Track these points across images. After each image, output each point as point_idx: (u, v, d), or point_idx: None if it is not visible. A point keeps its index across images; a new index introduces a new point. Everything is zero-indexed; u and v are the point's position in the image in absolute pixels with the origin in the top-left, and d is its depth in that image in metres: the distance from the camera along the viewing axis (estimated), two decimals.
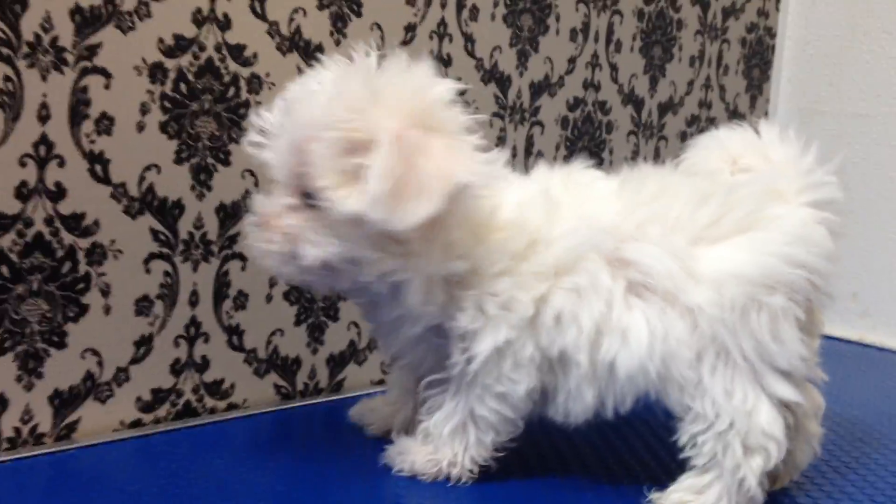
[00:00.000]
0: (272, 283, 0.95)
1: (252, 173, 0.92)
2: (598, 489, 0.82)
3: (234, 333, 0.93)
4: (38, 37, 0.76)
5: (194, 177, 0.88)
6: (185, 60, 0.86)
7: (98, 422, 0.84)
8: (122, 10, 0.81)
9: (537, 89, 1.20)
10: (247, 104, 0.91)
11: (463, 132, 0.72)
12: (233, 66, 0.89)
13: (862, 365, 1.39)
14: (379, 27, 1.01)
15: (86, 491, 0.75)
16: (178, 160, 0.87)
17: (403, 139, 0.67)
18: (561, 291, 0.74)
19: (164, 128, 0.85)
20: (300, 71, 0.94)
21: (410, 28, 1.04)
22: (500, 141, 1.16)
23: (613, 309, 0.73)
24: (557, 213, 0.75)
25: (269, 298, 0.95)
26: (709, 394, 0.73)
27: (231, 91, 0.89)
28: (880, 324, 1.54)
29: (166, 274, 0.87)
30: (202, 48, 0.87)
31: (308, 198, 0.69)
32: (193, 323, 0.90)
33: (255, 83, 0.91)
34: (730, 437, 0.73)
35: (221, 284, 0.91)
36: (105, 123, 0.81)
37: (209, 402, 0.92)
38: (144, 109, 0.83)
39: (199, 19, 0.86)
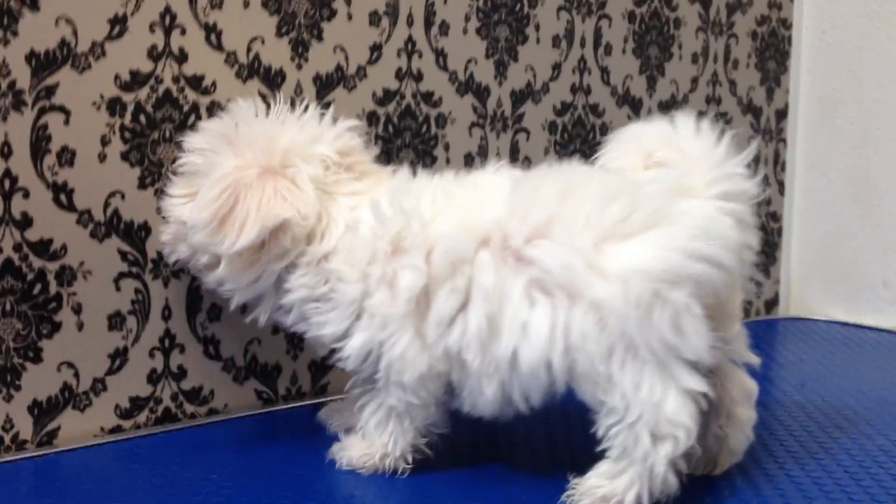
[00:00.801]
0: None
1: None
2: (526, 477, 0.85)
3: (209, 343, 0.99)
4: None
5: (159, 200, 0.94)
6: (142, 94, 0.92)
7: (78, 429, 0.91)
8: (77, 52, 0.88)
9: (519, 97, 1.22)
10: None
11: (310, 172, 0.82)
12: (192, 95, 0.95)
13: None
14: (342, 49, 1.05)
15: (70, 492, 0.81)
16: (142, 185, 0.93)
17: (235, 177, 0.79)
18: (442, 293, 0.76)
19: (125, 157, 0.91)
20: (261, 96, 1.00)
21: (376, 48, 1.08)
22: (481, 150, 1.19)
23: (508, 306, 0.75)
24: (409, 218, 0.78)
25: (243, 309, 1.01)
26: (619, 388, 0.74)
27: (192, 119, 0.95)
28: None
29: (137, 291, 0.93)
30: (160, 81, 0.93)
31: None
32: (168, 335, 0.96)
33: (217, 110, 0.97)
34: (639, 427, 0.74)
35: (193, 299, 0.97)
36: (67, 156, 0.88)
37: (189, 408, 0.98)
38: (105, 141, 0.90)
39: (154, 55, 0.92)
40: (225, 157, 0.81)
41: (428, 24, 1.12)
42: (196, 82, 0.95)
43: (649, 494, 0.76)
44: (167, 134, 0.94)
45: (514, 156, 1.22)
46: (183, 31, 0.94)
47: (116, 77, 0.90)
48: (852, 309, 1.55)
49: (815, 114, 1.58)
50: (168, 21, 0.93)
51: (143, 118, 0.92)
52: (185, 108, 0.95)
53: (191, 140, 0.86)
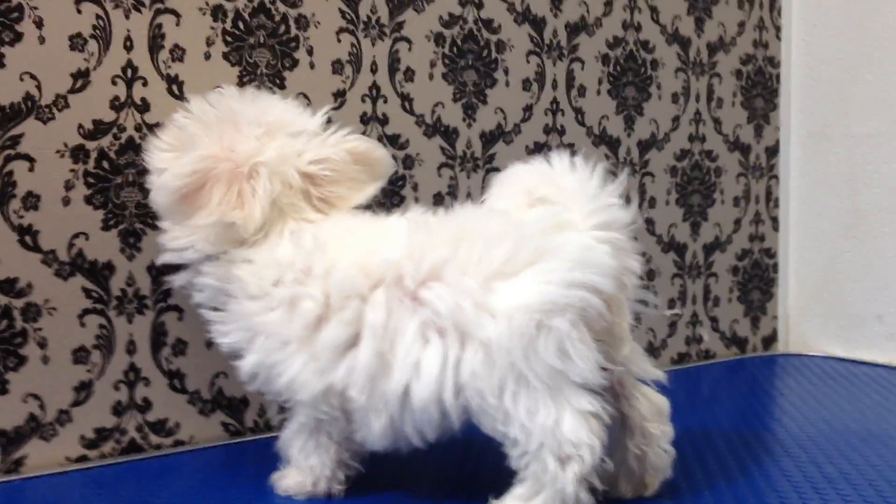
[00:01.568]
0: None
1: None
2: (454, 498, 0.86)
3: (174, 377, 1.03)
4: None
5: (123, 240, 0.99)
6: (105, 141, 0.97)
7: (44, 457, 0.95)
8: (41, 104, 0.94)
9: (489, 139, 1.25)
10: None
11: (271, 189, 0.85)
12: None
13: (893, 389, 1.33)
14: (305, 96, 1.10)
15: None
16: (106, 227, 0.98)
17: (209, 165, 0.83)
18: (332, 322, 0.79)
19: (89, 200, 0.97)
20: None
21: (340, 94, 1.13)
22: (451, 189, 1.22)
23: (401, 344, 0.78)
24: (320, 251, 0.81)
25: (209, 344, 1.04)
26: (515, 419, 0.76)
27: None
28: None
29: (101, 326, 0.98)
30: (122, 129, 0.98)
31: None
32: (132, 369, 1.00)
33: None
34: (543, 453, 0.76)
35: (158, 334, 1.01)
36: (32, 200, 0.94)
37: (154, 439, 1.02)
38: (69, 186, 0.96)
39: (116, 105, 0.98)
40: (211, 139, 0.86)
41: (392, 70, 1.16)
42: (158, 129, 1.00)
43: None
44: (130, 178, 0.99)
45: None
46: (145, 83, 0.99)
47: (80, 126, 0.96)
48: (849, 344, 1.53)
49: (805, 150, 1.58)
50: (130, 73, 0.98)
51: (106, 164, 0.97)
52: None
53: (198, 104, 0.90)
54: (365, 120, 1.14)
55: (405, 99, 1.18)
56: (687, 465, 0.96)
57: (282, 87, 1.08)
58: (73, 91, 0.95)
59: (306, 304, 0.80)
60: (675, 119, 1.45)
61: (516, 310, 0.75)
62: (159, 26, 1.00)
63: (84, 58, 0.96)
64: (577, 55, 1.33)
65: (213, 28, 1.03)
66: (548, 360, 0.75)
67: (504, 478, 0.80)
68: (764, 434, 1.08)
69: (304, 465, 0.85)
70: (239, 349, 0.84)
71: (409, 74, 1.18)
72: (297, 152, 0.88)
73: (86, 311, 0.97)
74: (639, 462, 0.83)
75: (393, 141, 1.17)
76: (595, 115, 1.36)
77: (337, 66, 1.12)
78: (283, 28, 1.08)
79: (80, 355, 0.97)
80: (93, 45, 0.96)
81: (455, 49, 1.21)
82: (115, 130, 0.98)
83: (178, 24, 1.01)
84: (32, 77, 0.93)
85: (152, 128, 1.00)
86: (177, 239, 0.86)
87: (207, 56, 1.03)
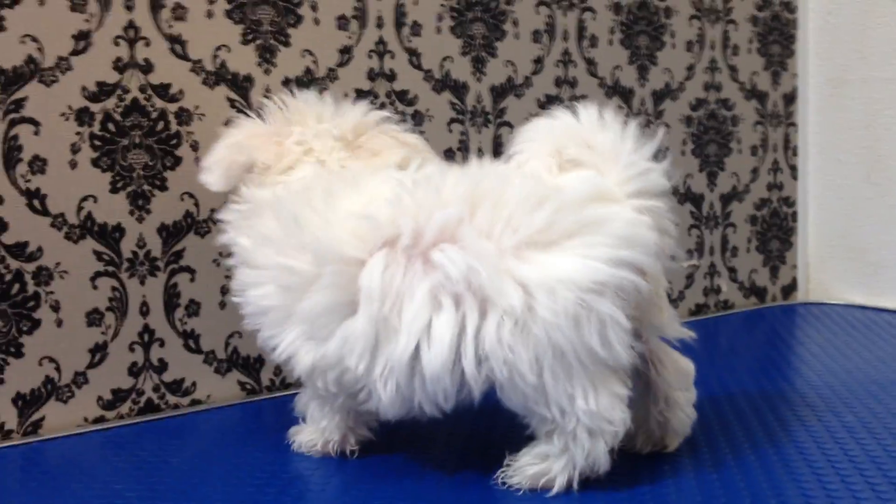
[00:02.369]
0: (224, 291, 1.03)
1: (191, 195, 1.00)
2: (470, 460, 0.84)
3: (189, 338, 1.01)
4: None
5: (132, 202, 0.97)
6: (110, 103, 0.95)
7: (62, 419, 0.94)
8: (44, 67, 0.92)
9: (500, 92, 1.22)
10: (178, 135, 0.99)
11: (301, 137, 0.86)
12: (159, 103, 0.98)
13: None
14: (311, 53, 1.07)
15: (55, 477, 0.84)
16: (114, 189, 0.96)
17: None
18: (315, 293, 0.75)
19: (95, 163, 0.95)
20: (230, 101, 1.02)
21: (346, 50, 1.10)
22: (461, 144, 1.19)
23: (408, 308, 0.72)
24: (325, 208, 0.77)
25: (222, 305, 1.03)
26: (552, 399, 0.72)
27: (160, 125, 0.98)
28: None
29: (114, 289, 0.97)
30: (126, 91, 0.96)
31: None
32: (147, 330, 0.99)
33: (185, 116, 0.99)
34: (577, 431, 0.73)
35: (171, 295, 1.00)
36: (38, 164, 0.92)
37: (172, 398, 1.01)
38: (75, 149, 0.94)
39: (119, 66, 0.96)
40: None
41: (399, 24, 1.13)
42: (163, 90, 0.98)
43: (580, 475, 0.74)
44: (137, 140, 0.97)
45: (498, 150, 1.22)
46: (147, 43, 0.97)
47: (83, 88, 0.94)
48: (869, 291, 1.50)
49: (823, 96, 1.53)
50: (132, 34, 0.96)
51: (111, 126, 0.96)
52: (154, 115, 0.98)
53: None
54: (372, 76, 1.12)
55: (412, 54, 1.15)
56: (704, 418, 0.94)
57: (286, 44, 1.05)
58: (75, 53, 0.93)
59: (291, 271, 0.77)
60: (690, 68, 1.41)
61: (559, 283, 0.70)
62: None
63: (85, 19, 0.94)
64: (587, 4, 1.29)
65: None
66: (590, 344, 0.70)
67: (519, 433, 0.78)
68: (782, 384, 1.05)
69: (319, 426, 0.84)
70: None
71: (416, 29, 1.14)
72: (339, 111, 0.89)
73: (97, 274, 0.96)
74: (660, 426, 0.81)
75: (401, 97, 1.14)
76: (608, 66, 1.32)
77: (342, 22, 1.09)
78: None
79: (93, 318, 0.96)
80: (93, 6, 0.94)
81: (462, 1, 1.17)
82: (119, 92, 0.96)
83: None
84: (34, 39, 0.91)
85: (156, 88, 0.98)
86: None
87: (210, 14, 1.00)
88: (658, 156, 0.78)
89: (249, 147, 0.86)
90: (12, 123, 0.90)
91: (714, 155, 1.45)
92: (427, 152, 0.91)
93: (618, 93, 1.33)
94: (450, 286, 0.72)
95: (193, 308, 1.01)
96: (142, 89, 0.97)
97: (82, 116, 0.94)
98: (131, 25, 0.96)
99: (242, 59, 1.03)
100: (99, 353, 0.96)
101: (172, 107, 0.99)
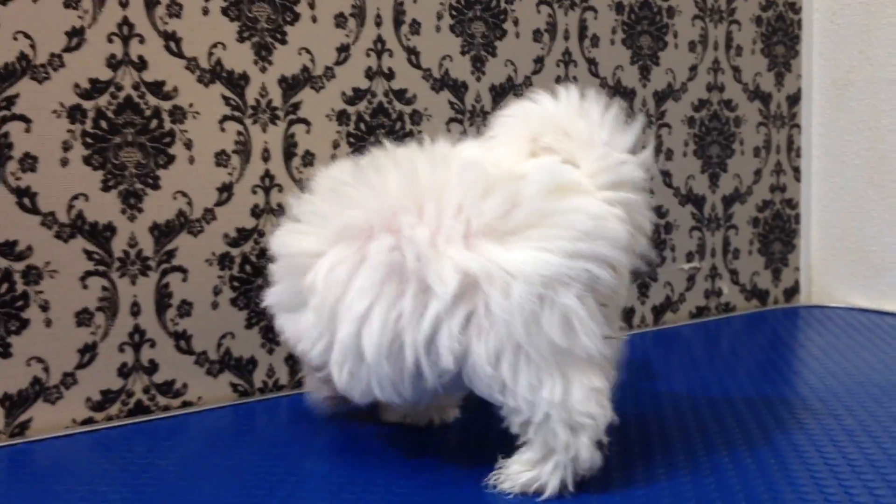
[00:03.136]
0: (217, 292, 1.02)
1: (184, 194, 0.99)
2: (464, 460, 0.83)
3: (181, 338, 1.00)
4: None
5: (124, 201, 0.96)
6: (103, 101, 0.94)
7: (50, 420, 0.93)
8: (36, 64, 0.91)
9: (499, 92, 1.21)
10: (171, 133, 0.98)
11: None
12: (153, 100, 0.97)
13: None
14: (308, 51, 1.06)
15: (42, 478, 0.82)
16: (106, 188, 0.95)
17: None
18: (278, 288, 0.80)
19: (87, 161, 0.94)
20: (225, 100, 1.01)
21: (343, 48, 1.09)
22: None
23: (348, 295, 0.72)
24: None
25: (215, 305, 1.02)
26: (516, 391, 0.71)
27: (154, 123, 0.97)
28: None
29: (104, 289, 0.95)
30: (119, 88, 0.95)
31: None
32: (137, 331, 0.98)
33: (179, 114, 0.98)
34: (551, 423, 0.71)
35: (163, 295, 0.99)
36: (29, 162, 0.91)
37: (162, 400, 1.00)
38: (66, 147, 0.93)
39: (113, 63, 0.95)
40: None
41: (398, 22, 1.12)
42: (156, 88, 0.97)
43: (573, 476, 0.73)
44: (129, 138, 0.96)
45: None
46: (142, 40, 0.96)
47: (76, 85, 0.93)
48: (872, 294, 1.48)
49: (827, 97, 1.51)
50: (126, 31, 0.95)
51: (104, 124, 0.94)
52: (147, 113, 0.97)
53: None
54: (370, 75, 1.10)
55: (411, 52, 1.13)
56: (702, 420, 0.92)
57: (283, 42, 1.04)
58: (68, 50, 0.92)
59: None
60: (693, 68, 1.39)
61: (510, 275, 0.69)
62: None
63: (79, 15, 0.92)
64: (589, 3, 1.27)
65: None
66: (551, 336, 0.69)
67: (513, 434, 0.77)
68: (783, 387, 1.04)
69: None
70: None
71: (416, 27, 1.13)
72: None
73: (88, 274, 0.94)
74: None
75: (399, 96, 1.13)
76: (609, 66, 1.30)
77: (340, 20, 1.08)
78: None
79: (83, 318, 0.94)
80: (87, 2, 0.93)
81: (462, 0, 1.16)
82: (112, 89, 0.95)
83: None
84: (26, 36, 0.90)
85: (150, 86, 0.97)
86: None
87: (205, 11, 0.99)
88: (637, 147, 0.76)
89: None
90: (3, 120, 0.89)
91: (716, 156, 1.43)
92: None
93: (619, 93, 1.32)
94: (385, 274, 0.71)
95: (185, 308, 1.00)
96: (135, 87, 0.96)
97: (74, 114, 0.93)
98: (125, 22, 0.95)
99: (238, 57, 1.02)
100: (88, 353, 0.95)
101: (166, 104, 0.98)
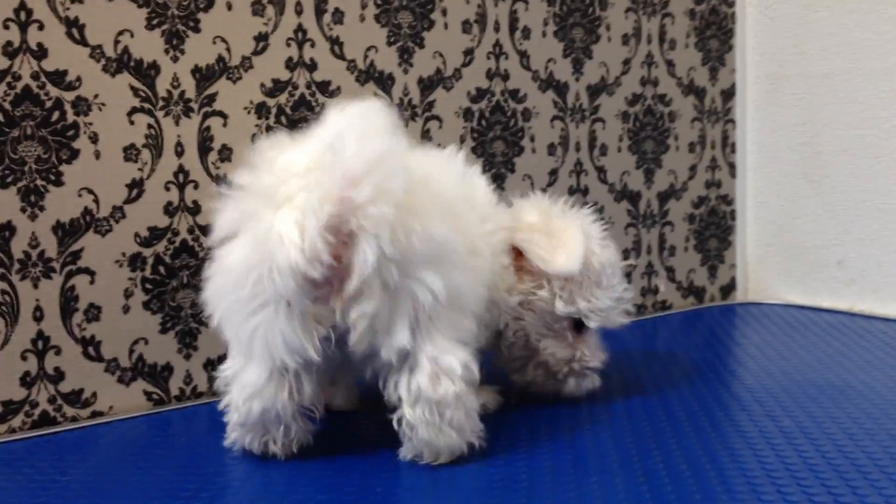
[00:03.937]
0: (128, 295, 0.96)
1: (90, 191, 0.93)
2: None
3: (89, 345, 0.94)
4: None
5: (23, 198, 0.90)
6: None
7: None
8: None
9: (428, 85, 1.17)
10: (75, 126, 0.92)
11: None
12: (54, 91, 0.91)
13: (853, 336, 1.26)
14: (223, 39, 1.01)
15: None
16: (3, 184, 0.89)
17: None
18: None
19: None
20: (133, 90, 0.95)
21: (262, 37, 1.03)
22: None
23: None
24: None
25: (126, 309, 0.96)
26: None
27: (55, 115, 0.91)
28: (867, 290, 1.41)
29: (3, 293, 0.89)
30: (17, 78, 0.89)
31: None
32: (41, 337, 0.91)
33: (83, 106, 0.92)
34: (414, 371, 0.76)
35: (68, 299, 0.92)
36: None
37: (70, 411, 0.93)
38: None
39: (10, 52, 0.88)
40: None
41: (319, 11, 1.07)
42: (58, 78, 0.91)
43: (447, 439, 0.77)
44: (28, 131, 0.89)
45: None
46: (41, 27, 0.90)
47: None
48: (809, 291, 1.47)
49: (762, 92, 1.50)
50: (24, 17, 0.89)
51: (0, 116, 0.88)
52: (48, 105, 0.90)
53: None
54: (291, 66, 1.05)
55: (334, 43, 1.08)
56: (636, 423, 0.89)
57: (196, 30, 0.99)
58: None
59: None
60: (626, 62, 1.36)
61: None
62: None
63: None
64: None
65: None
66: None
67: None
68: (718, 388, 1.01)
69: None
70: None
71: (338, 16, 1.08)
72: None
73: None
74: None
75: (322, 88, 1.08)
76: (541, 59, 1.27)
77: (257, 7, 1.02)
78: None
79: None
80: None
81: None
82: (9, 79, 0.88)
83: None
84: None
85: (51, 76, 0.90)
86: None
87: None
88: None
89: None
90: None
91: (651, 151, 1.40)
92: None
93: (552, 86, 1.28)
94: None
95: (93, 313, 0.94)
96: (34, 76, 0.89)
97: None
98: (23, 7, 0.88)
99: (147, 46, 0.96)
100: None
101: (69, 95, 0.91)
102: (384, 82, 1.13)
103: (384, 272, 0.72)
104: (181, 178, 0.99)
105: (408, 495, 0.73)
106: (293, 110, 1.05)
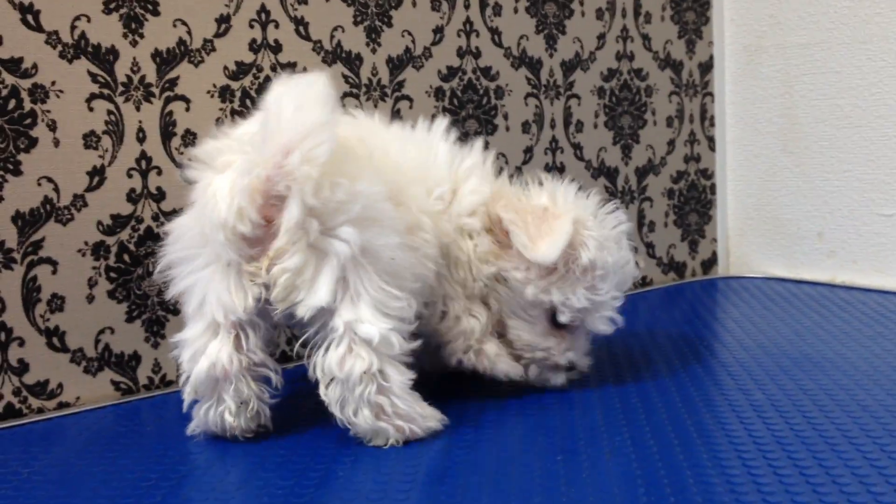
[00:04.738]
0: (92, 284, 0.95)
1: (50, 180, 0.92)
2: None
3: (53, 335, 0.93)
4: None
5: None
6: None
7: None
8: None
9: (397, 64, 1.15)
10: (33, 114, 0.90)
11: None
12: (10, 79, 0.89)
13: (833, 308, 1.25)
14: (183, 22, 0.99)
15: None
16: None
17: None
18: None
19: None
20: (91, 76, 0.94)
21: (224, 19, 1.02)
22: None
23: None
24: None
25: (90, 299, 0.95)
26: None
27: (12, 103, 0.89)
28: (847, 261, 1.40)
29: None
30: None
31: None
32: (3, 329, 0.90)
33: (40, 93, 0.90)
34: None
35: (30, 290, 0.91)
36: None
37: (35, 402, 0.92)
38: None
39: None
40: None
41: None
42: (13, 65, 0.89)
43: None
44: None
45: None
46: None
47: None
48: (789, 263, 1.46)
49: (739, 64, 1.48)
50: None
51: None
52: (4, 93, 0.89)
53: None
54: (255, 48, 1.04)
55: (299, 23, 1.07)
56: (608, 401, 0.88)
57: (155, 13, 0.97)
58: None
59: None
60: (601, 37, 1.35)
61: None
62: None
63: None
64: None
65: None
66: None
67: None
68: (692, 363, 1.00)
69: None
70: None
71: None
72: None
73: None
74: None
75: (289, 70, 1.06)
76: (513, 35, 1.25)
77: None
78: None
79: None
80: None
81: None
82: None
83: None
84: None
85: (6, 63, 0.89)
86: None
87: None
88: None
89: None
90: None
91: (628, 127, 1.39)
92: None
93: (525, 63, 1.27)
94: None
95: (57, 303, 0.93)
96: None
97: None
98: None
99: (105, 30, 0.94)
100: None
101: (25, 83, 0.90)
102: (352, 63, 1.11)
103: (307, 225, 0.74)
104: (144, 164, 0.97)
105: (371, 478, 0.72)
106: (258, 93, 1.04)
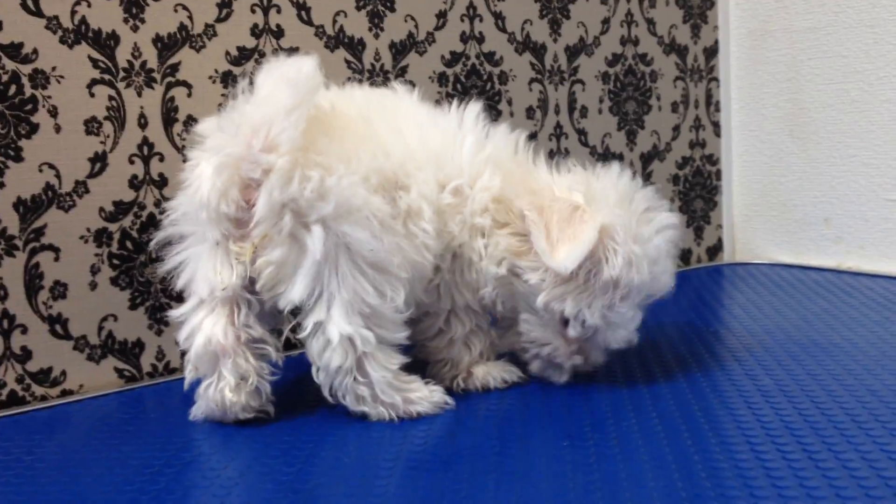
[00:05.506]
0: (94, 271, 0.94)
1: (51, 166, 0.91)
2: None
3: (56, 323, 0.92)
4: None
5: None
6: None
7: None
8: None
9: (400, 49, 1.14)
10: (34, 100, 0.90)
11: None
12: (10, 64, 0.88)
13: (839, 294, 1.24)
14: (185, 7, 0.98)
15: None
16: None
17: None
18: None
19: None
20: (92, 62, 0.93)
21: (225, 4, 1.01)
22: None
23: None
24: None
25: (93, 286, 0.94)
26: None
27: (13, 89, 0.88)
28: (854, 247, 1.39)
29: None
30: None
31: None
32: (6, 316, 0.89)
33: (41, 79, 0.90)
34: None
35: (33, 277, 0.91)
36: None
37: (38, 390, 0.92)
38: None
39: None
40: None
41: None
42: (14, 51, 0.88)
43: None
44: None
45: None
46: None
47: None
48: (796, 249, 1.45)
49: (745, 48, 1.47)
50: None
51: None
52: (4, 78, 0.88)
53: None
54: (256, 33, 1.03)
55: (301, 8, 1.06)
56: (616, 390, 0.87)
57: None
58: None
59: None
60: (605, 21, 1.34)
61: None
62: None
63: None
64: None
65: None
66: None
67: None
68: (699, 349, 0.99)
69: None
70: None
71: None
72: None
73: None
74: None
75: (291, 55, 1.05)
76: (517, 20, 1.24)
77: None
78: None
79: None
80: None
81: None
82: None
83: None
84: None
85: (6, 48, 0.88)
86: None
87: None
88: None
89: None
90: None
91: (633, 113, 1.38)
92: None
93: (529, 48, 1.26)
94: None
95: (59, 290, 0.92)
96: None
97: None
98: None
99: (106, 15, 0.93)
100: None
101: (25, 68, 0.89)
102: (354, 48, 1.10)
103: (281, 216, 0.74)
104: (146, 150, 0.96)
105: (376, 465, 0.72)
106: None
